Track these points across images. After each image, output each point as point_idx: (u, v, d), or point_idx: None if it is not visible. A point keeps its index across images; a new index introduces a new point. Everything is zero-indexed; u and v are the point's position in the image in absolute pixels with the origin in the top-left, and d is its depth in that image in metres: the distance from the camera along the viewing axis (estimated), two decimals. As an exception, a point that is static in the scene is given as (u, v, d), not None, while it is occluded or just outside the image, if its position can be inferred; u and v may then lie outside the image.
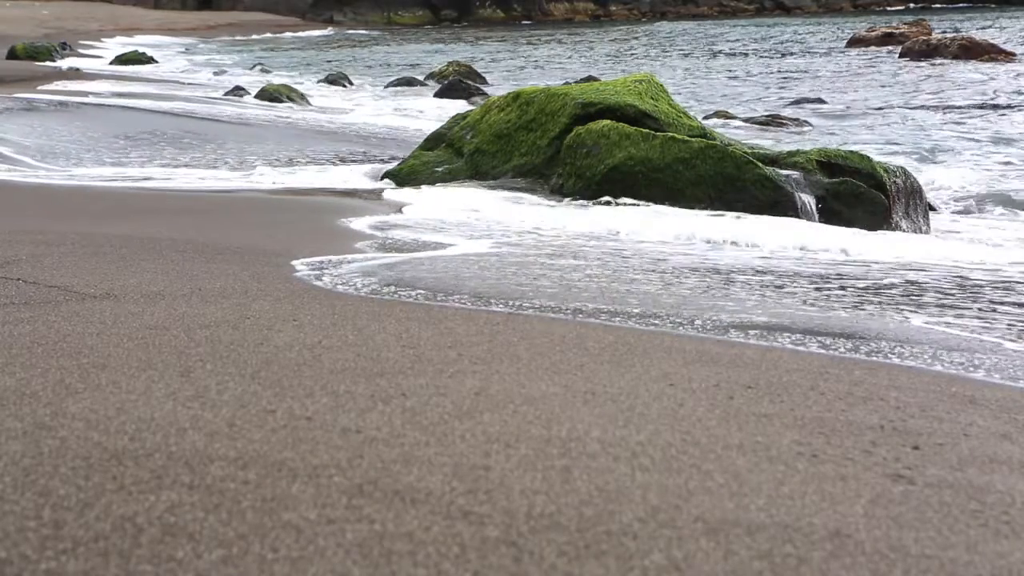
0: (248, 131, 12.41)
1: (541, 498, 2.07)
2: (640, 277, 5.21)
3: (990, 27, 36.72)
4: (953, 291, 5.15)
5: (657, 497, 2.11)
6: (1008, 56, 24.92)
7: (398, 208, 7.47)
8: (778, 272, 5.55)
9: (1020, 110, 16.38)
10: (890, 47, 29.44)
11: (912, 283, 5.35)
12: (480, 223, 7.05)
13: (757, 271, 5.56)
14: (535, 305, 4.26)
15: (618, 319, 4.06)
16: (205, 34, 50.55)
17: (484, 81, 23.26)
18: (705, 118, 13.85)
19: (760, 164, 7.83)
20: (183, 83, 21.67)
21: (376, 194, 8.27)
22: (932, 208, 8.66)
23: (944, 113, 16.41)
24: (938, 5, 62.49)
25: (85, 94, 15.55)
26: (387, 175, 9.13)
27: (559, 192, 8.31)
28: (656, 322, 4.03)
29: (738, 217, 7.36)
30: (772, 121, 15.25)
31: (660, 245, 6.44)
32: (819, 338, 3.88)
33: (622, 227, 6.97)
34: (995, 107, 16.85)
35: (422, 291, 4.44)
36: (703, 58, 31.38)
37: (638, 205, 7.79)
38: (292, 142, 11.67)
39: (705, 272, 5.46)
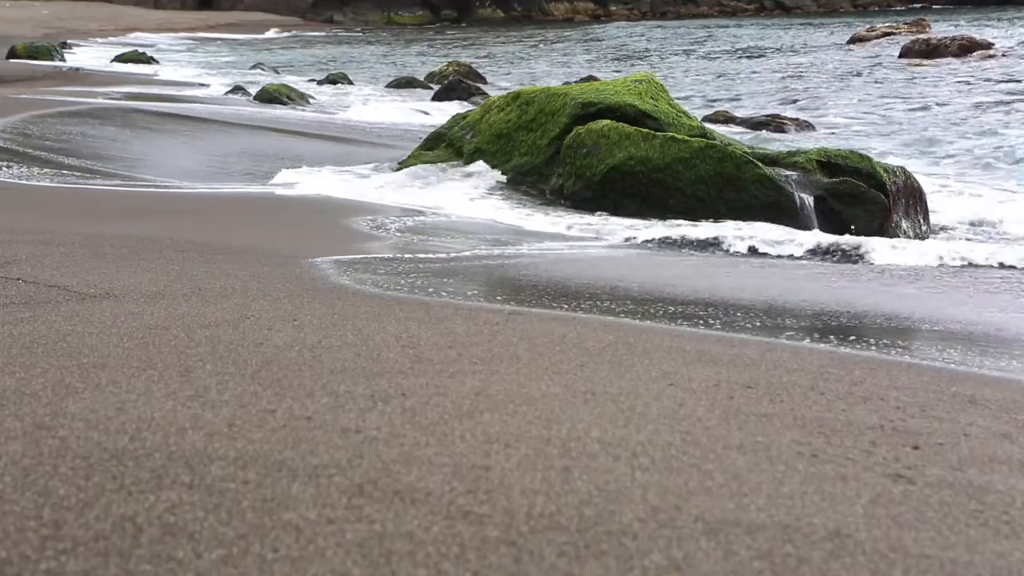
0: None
1: (541, 498, 2.07)
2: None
3: (990, 26, 36.73)
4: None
5: (657, 497, 2.10)
6: (1007, 55, 24.94)
7: (414, 208, 7.48)
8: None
9: (1019, 107, 16.39)
10: (890, 47, 29.44)
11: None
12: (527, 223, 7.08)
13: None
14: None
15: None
16: (205, 34, 50.52)
17: (484, 81, 23.25)
18: (705, 118, 13.85)
19: (760, 164, 7.83)
20: (184, 83, 21.65)
21: (377, 194, 8.26)
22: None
23: (944, 112, 16.41)
24: (938, 6, 62.46)
25: (95, 94, 15.48)
26: (388, 174, 9.13)
27: (559, 192, 8.31)
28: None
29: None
30: (772, 121, 15.25)
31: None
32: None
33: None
34: (995, 106, 16.85)
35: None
36: (703, 58, 31.36)
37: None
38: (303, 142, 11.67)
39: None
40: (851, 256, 6.46)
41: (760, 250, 6.63)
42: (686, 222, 7.42)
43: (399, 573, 1.76)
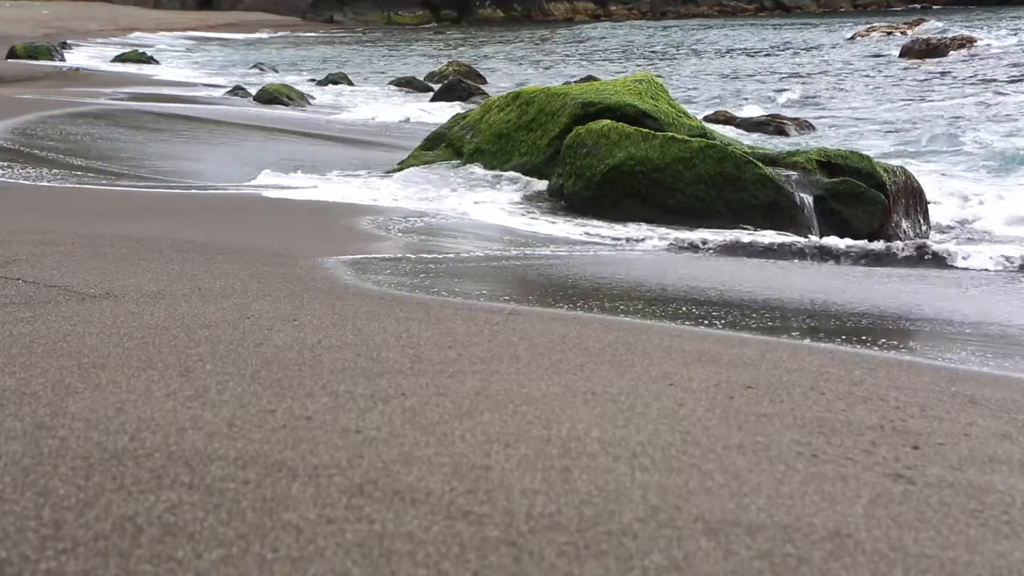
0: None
1: (541, 498, 2.07)
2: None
3: (990, 25, 36.75)
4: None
5: (657, 497, 2.10)
6: (1007, 53, 24.95)
7: (413, 209, 7.47)
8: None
9: (1020, 106, 16.41)
10: (889, 46, 29.44)
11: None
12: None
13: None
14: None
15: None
16: (205, 34, 50.50)
17: (484, 81, 23.25)
18: (705, 118, 13.85)
19: (760, 164, 7.83)
20: (186, 84, 21.65)
21: (376, 194, 8.25)
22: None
23: (944, 111, 16.41)
24: (937, 6, 62.46)
25: (98, 95, 15.46)
26: (388, 174, 9.12)
27: (559, 192, 8.30)
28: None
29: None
30: (772, 121, 15.25)
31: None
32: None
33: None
34: (996, 104, 16.86)
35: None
36: (703, 58, 31.37)
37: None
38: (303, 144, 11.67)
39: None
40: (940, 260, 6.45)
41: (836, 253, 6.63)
42: (742, 230, 7.37)
43: (399, 573, 1.76)
